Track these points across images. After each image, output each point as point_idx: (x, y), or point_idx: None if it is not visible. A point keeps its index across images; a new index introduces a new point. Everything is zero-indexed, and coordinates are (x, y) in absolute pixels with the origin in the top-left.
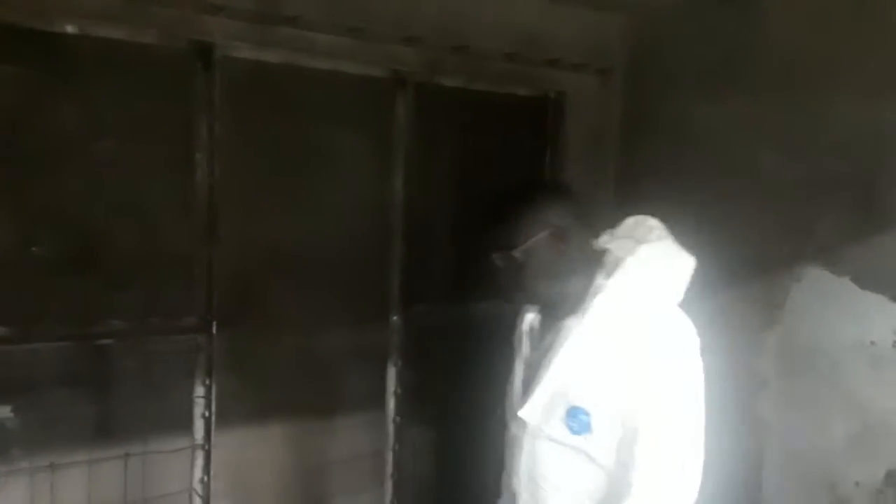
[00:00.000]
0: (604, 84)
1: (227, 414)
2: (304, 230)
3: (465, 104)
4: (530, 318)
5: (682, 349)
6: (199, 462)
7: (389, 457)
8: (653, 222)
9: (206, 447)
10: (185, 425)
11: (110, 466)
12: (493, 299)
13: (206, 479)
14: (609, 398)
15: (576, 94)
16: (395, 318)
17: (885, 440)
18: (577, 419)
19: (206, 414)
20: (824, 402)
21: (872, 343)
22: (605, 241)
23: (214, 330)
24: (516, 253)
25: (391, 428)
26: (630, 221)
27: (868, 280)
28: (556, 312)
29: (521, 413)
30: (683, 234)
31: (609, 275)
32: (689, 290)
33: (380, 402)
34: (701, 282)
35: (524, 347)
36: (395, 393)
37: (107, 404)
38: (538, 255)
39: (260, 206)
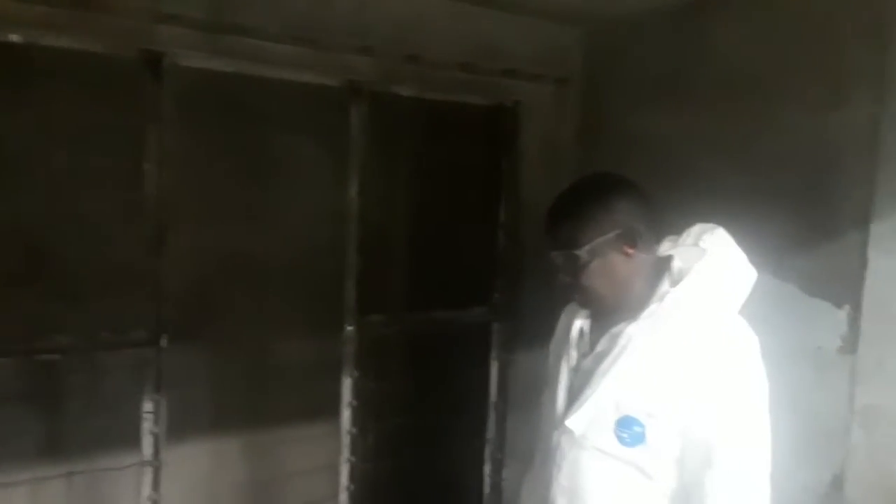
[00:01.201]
0: (560, 94)
1: (180, 428)
2: (258, 240)
3: (420, 113)
4: (580, 322)
5: (750, 361)
6: (148, 479)
7: (345, 468)
8: (719, 231)
9: (156, 463)
10: (134, 441)
11: (55, 485)
12: (452, 309)
13: (155, 496)
14: (668, 410)
15: (532, 104)
16: (350, 327)
17: (831, 445)
18: (630, 430)
19: (155, 429)
20: (771, 407)
21: (819, 348)
22: (667, 248)
23: (164, 343)
24: (580, 252)
25: (346, 439)
26: (696, 229)
27: (814, 287)
28: (610, 318)
29: (569, 422)
30: None
31: (675, 283)
32: None
33: (335, 413)
34: None
35: (572, 353)
36: (351, 404)
37: (52, 421)
38: (604, 256)
39: (213, 217)
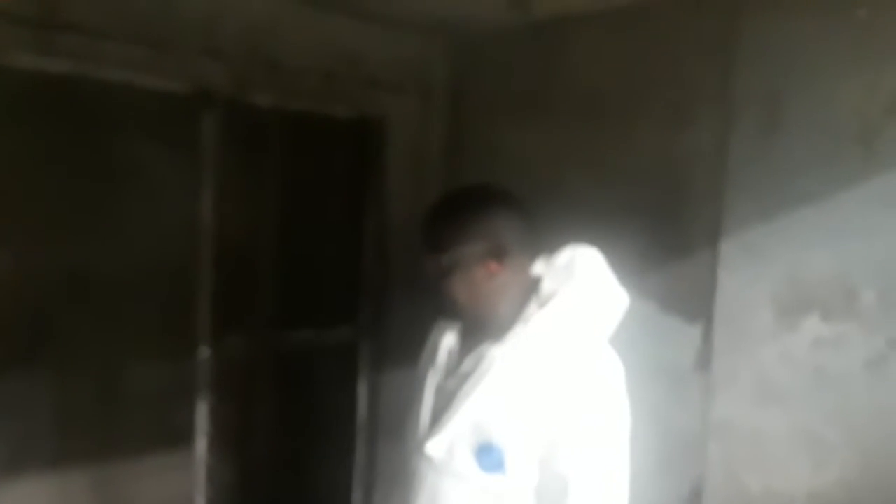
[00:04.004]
0: (426, 108)
1: (16, 464)
2: (102, 256)
3: (281, 125)
4: (449, 340)
5: (612, 394)
6: None
7: (200, 501)
8: (592, 253)
9: None
10: None
11: None
12: (318, 328)
13: None
14: (528, 438)
15: (398, 118)
16: (204, 349)
17: (688, 459)
18: (490, 457)
19: None
20: (633, 423)
21: (674, 364)
22: (539, 269)
23: None
24: (443, 257)
25: (202, 470)
26: (568, 251)
27: (670, 304)
28: (477, 336)
29: (428, 447)
30: None
31: (542, 305)
32: None
33: (190, 441)
34: None
35: (439, 372)
36: (207, 431)
37: None
38: (466, 267)
39: (51, 230)
